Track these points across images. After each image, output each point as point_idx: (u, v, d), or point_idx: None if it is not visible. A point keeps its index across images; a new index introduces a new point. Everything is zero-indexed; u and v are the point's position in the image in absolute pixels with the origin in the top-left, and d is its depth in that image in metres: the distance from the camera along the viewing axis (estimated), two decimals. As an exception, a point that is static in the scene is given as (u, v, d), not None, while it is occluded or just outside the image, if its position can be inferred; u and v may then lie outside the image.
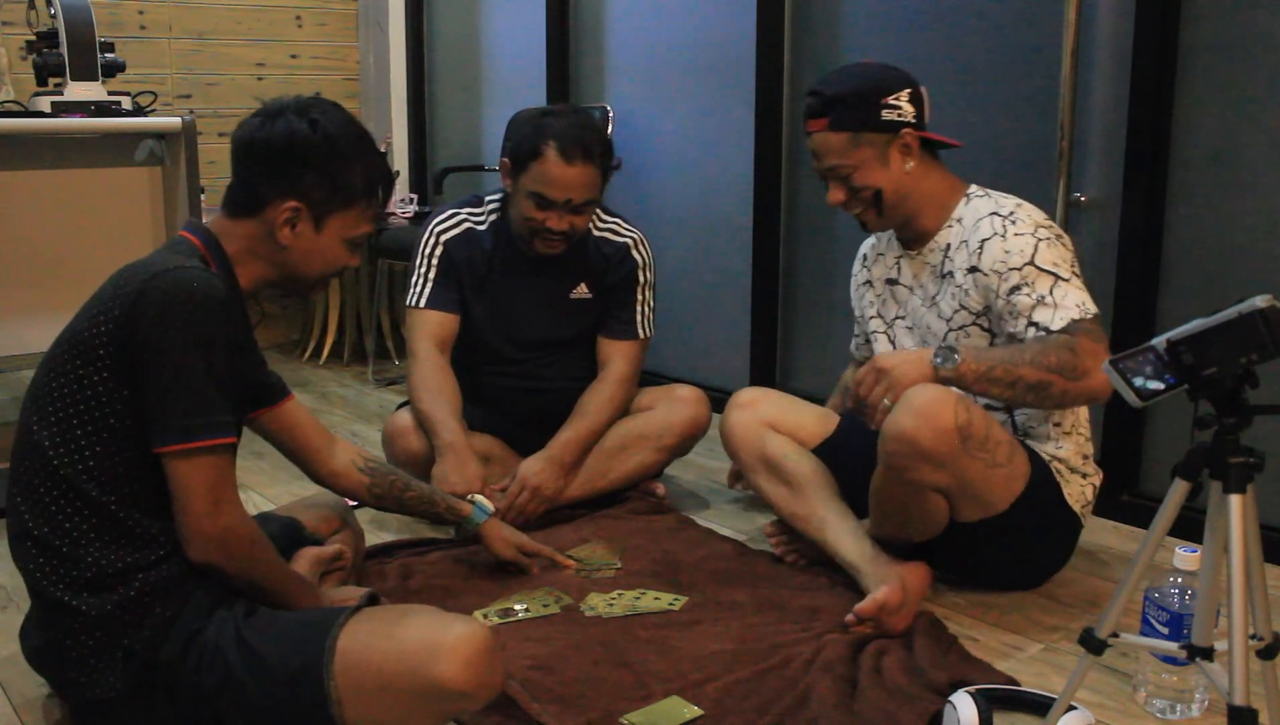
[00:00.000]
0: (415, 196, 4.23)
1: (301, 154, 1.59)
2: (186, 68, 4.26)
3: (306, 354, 4.32)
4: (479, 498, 2.15)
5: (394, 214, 4.04)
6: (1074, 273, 1.96)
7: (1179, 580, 1.68)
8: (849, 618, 1.91)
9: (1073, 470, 2.08)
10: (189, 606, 1.53)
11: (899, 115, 2.06)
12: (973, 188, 2.12)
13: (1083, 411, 2.12)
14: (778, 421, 2.27)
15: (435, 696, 1.41)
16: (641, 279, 2.59)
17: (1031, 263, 1.95)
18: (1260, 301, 1.21)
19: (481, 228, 2.57)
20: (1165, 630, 1.68)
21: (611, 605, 2.04)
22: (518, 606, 2.02)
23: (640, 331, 2.59)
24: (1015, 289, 1.96)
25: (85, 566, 1.49)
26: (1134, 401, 1.34)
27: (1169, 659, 1.67)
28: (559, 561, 2.20)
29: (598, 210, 2.59)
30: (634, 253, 2.59)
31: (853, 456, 2.16)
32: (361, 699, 1.43)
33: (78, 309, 1.57)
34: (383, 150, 1.72)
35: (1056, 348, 1.86)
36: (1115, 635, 1.39)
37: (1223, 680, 1.29)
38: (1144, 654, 1.74)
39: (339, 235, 1.64)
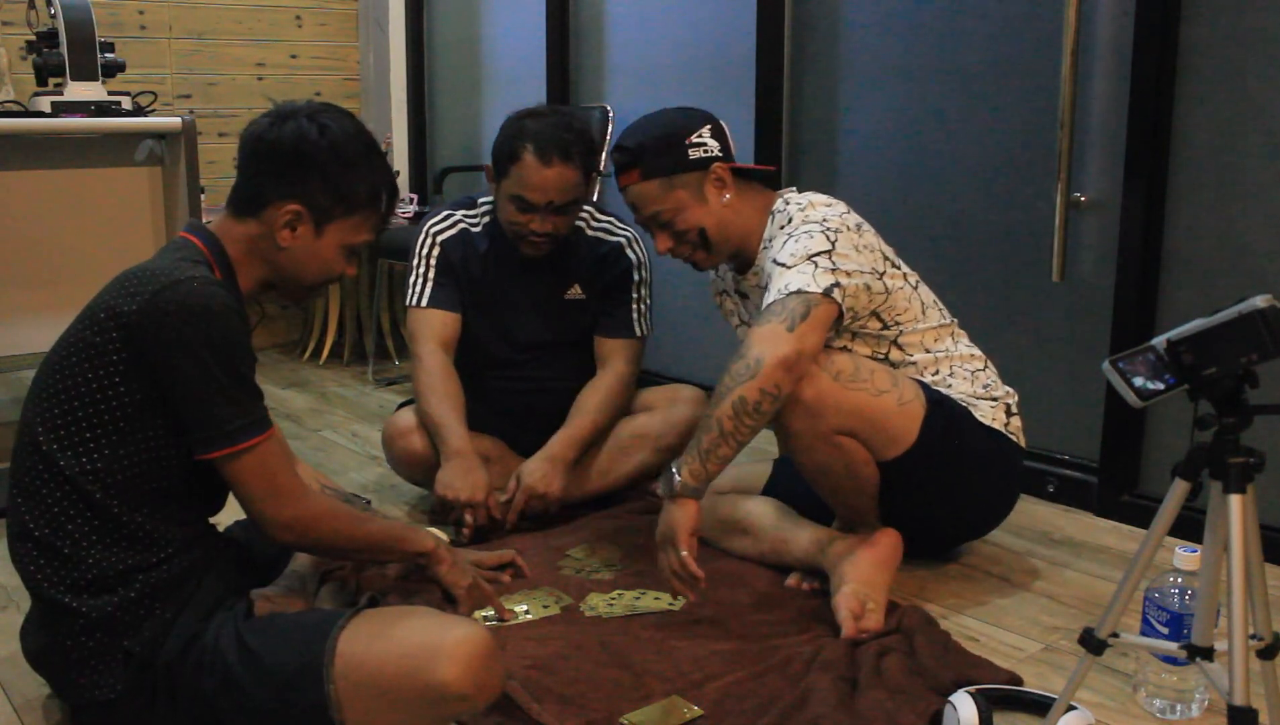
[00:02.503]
0: (415, 196, 4.24)
1: (307, 158, 1.59)
2: (186, 68, 4.26)
3: (306, 354, 4.32)
4: (433, 531, 2.12)
5: (394, 214, 4.03)
6: (807, 258, 1.97)
7: (1179, 580, 1.68)
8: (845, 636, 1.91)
9: (978, 397, 2.13)
10: (189, 608, 1.53)
11: (705, 151, 2.12)
12: (777, 202, 2.16)
13: (960, 354, 2.17)
14: (720, 485, 2.29)
15: (435, 699, 1.41)
16: (637, 277, 2.58)
17: (774, 261, 2.03)
18: (1260, 301, 1.21)
19: (476, 229, 2.57)
20: (1165, 630, 1.68)
21: (611, 605, 2.04)
22: (518, 608, 2.02)
23: (637, 330, 2.58)
24: (766, 290, 2.02)
25: (86, 568, 1.49)
26: (1134, 401, 1.34)
27: (1169, 659, 1.67)
28: (519, 563, 2.15)
29: (591, 211, 2.59)
30: (628, 252, 2.58)
31: (794, 490, 2.21)
32: (361, 701, 1.43)
33: (77, 308, 1.57)
34: (383, 150, 1.73)
35: (733, 365, 1.89)
36: (1115, 635, 1.39)
37: (1223, 680, 1.29)
38: (1144, 654, 1.74)
39: (339, 242, 1.65)
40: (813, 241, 1.99)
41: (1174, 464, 1.33)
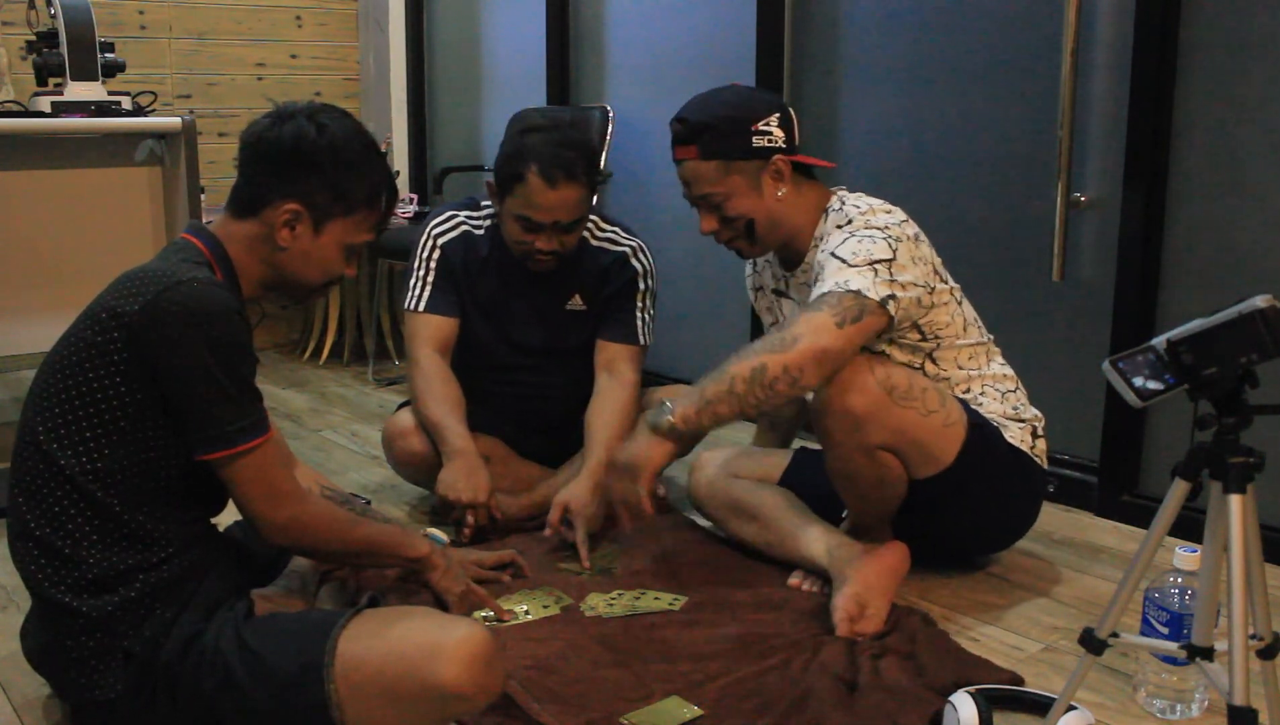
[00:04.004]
0: (415, 196, 4.24)
1: (306, 157, 1.59)
2: (186, 68, 4.26)
3: (306, 354, 4.32)
4: (431, 531, 2.14)
5: (394, 214, 4.03)
6: (869, 262, 1.93)
7: (1179, 580, 1.68)
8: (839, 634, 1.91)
9: (1007, 418, 2.11)
10: (190, 608, 1.53)
11: (770, 141, 2.05)
12: (833, 200, 2.12)
13: (993, 373, 2.14)
14: (738, 469, 2.30)
15: (436, 698, 1.41)
16: (641, 286, 2.55)
17: (831, 254, 1.98)
18: (1260, 301, 1.21)
19: (479, 232, 2.55)
20: (1165, 630, 1.68)
21: (611, 605, 2.04)
22: (518, 608, 2.02)
23: (641, 338, 2.55)
24: (818, 281, 1.98)
25: (87, 568, 1.49)
26: (1134, 401, 1.34)
27: (1169, 659, 1.67)
28: (519, 564, 2.15)
29: (596, 220, 2.56)
30: (634, 261, 2.55)
31: (811, 484, 2.20)
32: (361, 701, 1.43)
33: (77, 308, 1.57)
34: (383, 150, 1.73)
35: (768, 334, 1.89)
36: (1115, 635, 1.39)
37: (1223, 680, 1.29)
38: (1144, 654, 1.74)
39: (338, 241, 1.65)
40: (875, 247, 1.95)
41: (1174, 464, 1.33)
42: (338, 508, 1.70)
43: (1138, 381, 1.32)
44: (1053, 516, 2.59)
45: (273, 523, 1.56)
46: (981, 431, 2.05)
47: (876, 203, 2.08)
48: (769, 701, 1.69)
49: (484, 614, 1.95)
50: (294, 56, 4.51)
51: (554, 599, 2.07)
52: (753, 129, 2.04)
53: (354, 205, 1.64)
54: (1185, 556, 1.66)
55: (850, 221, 2.03)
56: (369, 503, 2.48)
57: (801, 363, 1.84)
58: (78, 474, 1.48)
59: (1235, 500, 1.27)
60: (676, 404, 1.88)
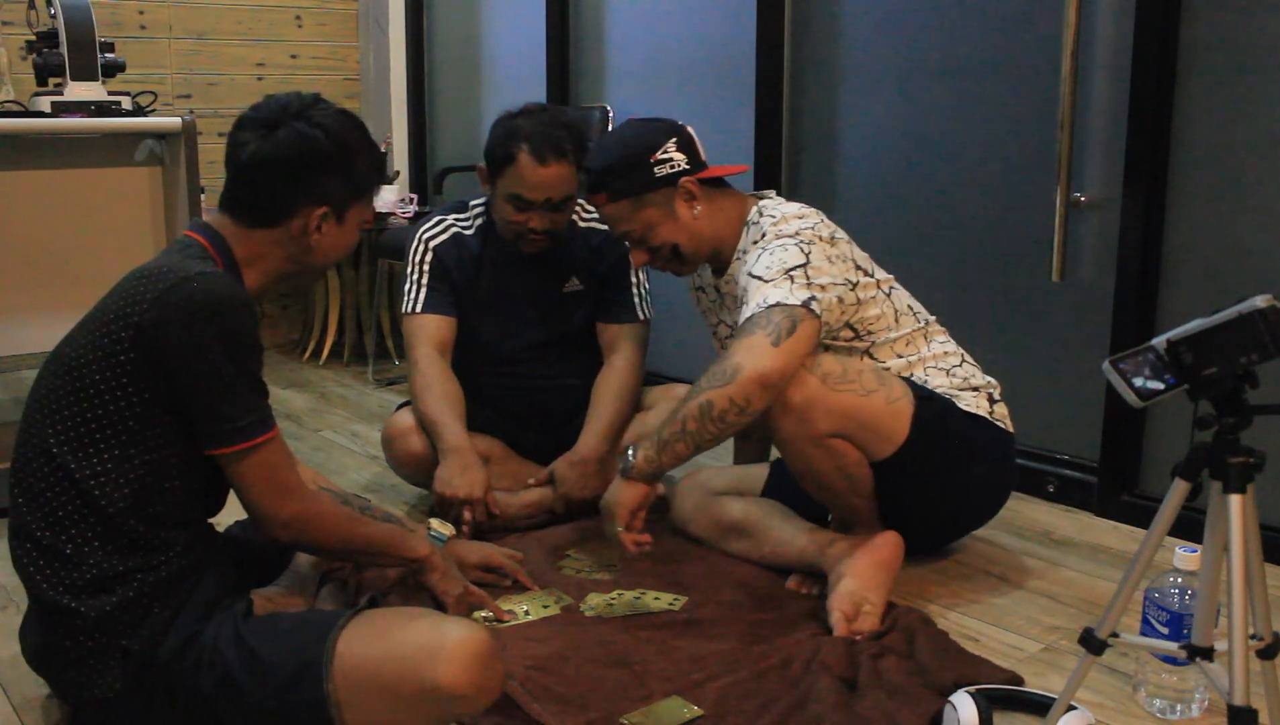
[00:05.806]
0: (415, 196, 4.23)
1: (321, 160, 1.61)
2: (186, 68, 4.26)
3: (306, 354, 4.31)
4: (434, 524, 2.14)
5: (394, 214, 4.04)
6: (784, 272, 1.97)
7: (1179, 580, 1.68)
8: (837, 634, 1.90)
9: (957, 389, 2.14)
10: (188, 606, 1.53)
11: (672, 167, 2.11)
12: (752, 211, 2.15)
13: (934, 353, 2.16)
14: (719, 488, 2.32)
15: (435, 699, 1.42)
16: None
17: (749, 275, 2.01)
18: (1260, 301, 1.21)
19: (469, 232, 2.58)
20: (1165, 630, 1.68)
21: (611, 605, 2.04)
22: (518, 608, 2.02)
23: (640, 313, 2.59)
24: (743, 304, 2.01)
25: (86, 569, 1.49)
26: (1134, 401, 1.34)
27: (1169, 659, 1.67)
28: (521, 579, 2.13)
29: (583, 203, 2.60)
30: None
31: (793, 491, 2.20)
32: (360, 701, 1.43)
33: (78, 308, 1.58)
34: (383, 150, 1.76)
35: (708, 370, 1.92)
36: (1115, 635, 1.39)
37: (1223, 680, 1.29)
38: (1144, 654, 1.74)
39: (356, 222, 1.70)
40: (787, 255, 1.99)
41: (1174, 464, 1.33)
42: (340, 505, 1.70)
43: (1138, 381, 1.33)
44: (1053, 516, 2.59)
45: (277, 518, 1.56)
46: (930, 403, 2.07)
47: (790, 210, 2.11)
48: (769, 701, 1.69)
49: (483, 614, 1.95)
50: (294, 56, 4.51)
51: (554, 599, 2.07)
52: (652, 160, 2.10)
53: (366, 187, 1.69)
54: (1185, 556, 1.66)
55: (764, 235, 2.07)
56: (369, 503, 2.49)
57: (745, 392, 1.88)
58: (85, 477, 1.48)
59: (1235, 500, 1.27)
60: (639, 449, 1.94)
